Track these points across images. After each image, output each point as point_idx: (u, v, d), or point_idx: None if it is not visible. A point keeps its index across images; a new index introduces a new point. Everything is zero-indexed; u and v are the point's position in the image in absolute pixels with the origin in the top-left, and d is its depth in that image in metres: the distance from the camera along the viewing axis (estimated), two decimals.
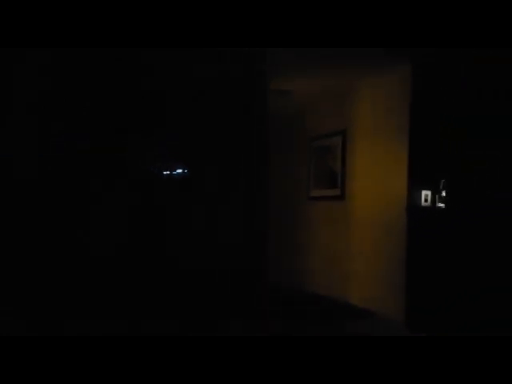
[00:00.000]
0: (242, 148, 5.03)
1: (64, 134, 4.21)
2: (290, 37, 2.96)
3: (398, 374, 2.33)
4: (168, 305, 4.50)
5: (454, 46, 2.99)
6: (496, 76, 3.62)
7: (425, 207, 4.20)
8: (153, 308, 4.38)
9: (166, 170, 4.97)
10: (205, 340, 2.72)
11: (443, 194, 4.06)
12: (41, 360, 2.28)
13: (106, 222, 4.47)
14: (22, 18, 2.78)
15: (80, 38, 2.91)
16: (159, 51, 3.11)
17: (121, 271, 4.43)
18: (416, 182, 4.28)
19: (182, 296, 4.59)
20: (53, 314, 3.74)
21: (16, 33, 2.81)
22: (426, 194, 4.22)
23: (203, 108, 4.79)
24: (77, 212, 4.25)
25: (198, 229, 4.90)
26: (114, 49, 3.59)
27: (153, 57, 4.09)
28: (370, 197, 5.25)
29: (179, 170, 5.08)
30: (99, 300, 4.28)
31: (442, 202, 4.06)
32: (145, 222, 4.66)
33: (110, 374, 2.23)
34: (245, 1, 2.81)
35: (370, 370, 2.35)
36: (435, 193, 4.15)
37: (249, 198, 5.09)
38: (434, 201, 4.16)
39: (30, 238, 3.96)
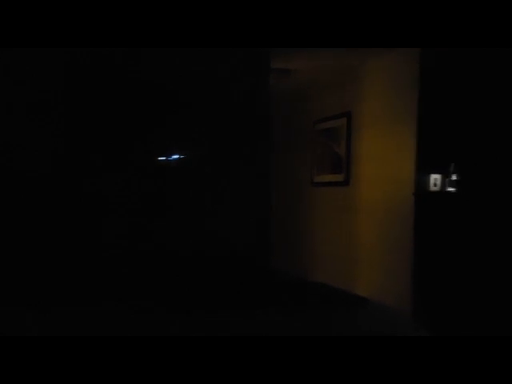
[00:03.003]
0: (243, 132, 4.89)
1: (70, 129, 4.26)
2: (292, 36, 2.89)
3: (402, 372, 2.20)
4: (168, 292, 4.44)
5: (463, 44, 2.88)
6: (507, 59, 3.40)
7: (434, 192, 3.99)
8: (151, 293, 4.34)
9: (163, 156, 4.85)
10: (199, 340, 2.63)
11: (453, 177, 3.84)
12: (37, 360, 2.23)
13: (110, 211, 4.46)
14: (18, 18, 2.72)
15: (83, 38, 2.88)
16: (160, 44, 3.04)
17: (123, 258, 4.40)
18: (425, 166, 4.08)
19: (183, 283, 4.51)
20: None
21: (13, 33, 2.76)
22: (435, 178, 4.01)
23: (205, 93, 4.66)
24: (82, 205, 4.30)
25: (200, 215, 4.79)
26: (120, 48, 3.59)
27: (153, 50, 4.04)
28: (376, 182, 5.05)
29: (175, 156, 4.93)
30: (103, 285, 4.28)
31: (452, 187, 3.84)
32: (147, 209, 4.60)
33: (107, 374, 2.17)
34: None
35: (369, 368, 2.24)
36: (445, 177, 3.93)
37: (251, 184, 4.95)
38: (443, 185, 3.94)
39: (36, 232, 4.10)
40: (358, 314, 4.63)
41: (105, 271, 4.32)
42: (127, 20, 2.77)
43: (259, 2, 2.73)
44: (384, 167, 4.94)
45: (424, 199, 4.07)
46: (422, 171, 4.08)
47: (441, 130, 3.97)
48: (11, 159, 4.07)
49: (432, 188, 4.01)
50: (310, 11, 2.74)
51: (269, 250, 4.94)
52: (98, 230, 4.37)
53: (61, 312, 3.72)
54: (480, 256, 3.53)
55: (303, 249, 6.28)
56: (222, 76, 4.66)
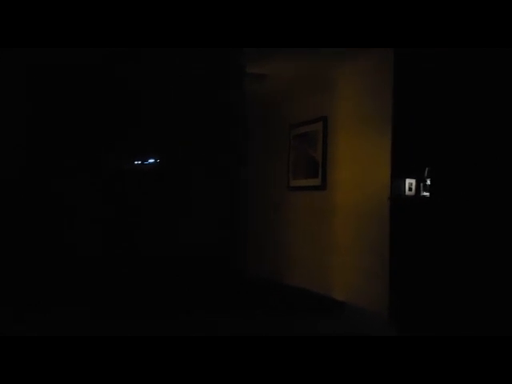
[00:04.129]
0: (219, 136, 4.86)
1: (36, 134, 4.14)
2: (266, 37, 2.89)
3: (375, 371, 2.26)
4: (143, 294, 4.40)
5: (438, 45, 2.94)
6: (482, 61, 3.46)
7: (408, 196, 4.04)
8: (125, 295, 4.29)
9: (138, 161, 4.80)
10: (184, 340, 2.62)
11: (428, 182, 3.89)
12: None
13: (83, 214, 4.38)
14: None
15: (48, 38, 2.80)
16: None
17: (95, 261, 4.33)
18: (400, 171, 4.12)
19: (156, 286, 4.47)
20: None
21: None
22: (410, 182, 4.06)
23: (179, 97, 4.62)
24: (55, 206, 4.21)
25: (174, 218, 4.75)
26: (91, 48, 3.51)
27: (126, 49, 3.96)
28: (353, 186, 5.09)
29: (151, 160, 4.89)
30: (78, 289, 4.22)
31: (427, 191, 3.89)
32: (120, 213, 4.54)
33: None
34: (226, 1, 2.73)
35: (350, 368, 2.27)
36: (420, 181, 3.98)
37: (226, 188, 4.93)
38: (418, 189, 3.99)
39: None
40: (333, 316, 4.66)
41: (74, 274, 4.26)
42: (98, 19, 2.70)
43: (233, 2, 2.72)
44: (360, 172, 4.97)
45: (399, 203, 4.10)
46: (398, 176, 4.12)
47: (415, 135, 4.00)
48: None
49: (407, 192, 4.06)
50: (284, 11, 2.73)
51: (241, 254, 4.94)
52: (67, 234, 4.29)
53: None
54: (454, 258, 3.58)
55: (280, 253, 6.28)
56: (198, 79, 4.62)
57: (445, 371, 2.25)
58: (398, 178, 4.11)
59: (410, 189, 4.06)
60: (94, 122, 4.38)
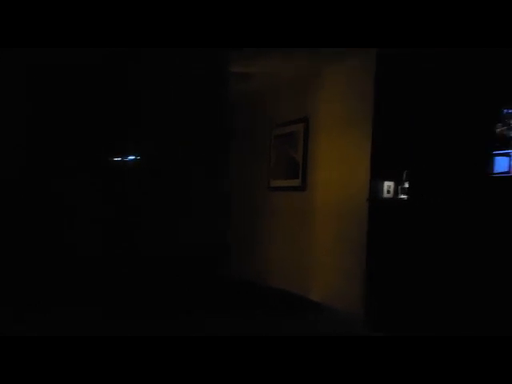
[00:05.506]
0: (201, 135, 4.85)
1: (34, 134, 4.11)
2: (257, 37, 2.91)
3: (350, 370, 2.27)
4: (140, 294, 4.39)
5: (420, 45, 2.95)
6: (460, 66, 3.49)
7: (386, 199, 4.06)
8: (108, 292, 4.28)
9: (118, 157, 4.77)
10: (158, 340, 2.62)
11: (406, 185, 3.92)
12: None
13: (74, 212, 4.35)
14: None
15: (43, 38, 2.80)
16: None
17: (94, 261, 4.32)
18: (379, 173, 4.14)
19: (139, 285, 4.45)
20: None
21: None
22: (388, 185, 4.08)
23: (163, 96, 4.60)
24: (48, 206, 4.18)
25: (156, 217, 4.73)
26: (81, 48, 3.49)
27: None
28: (333, 187, 5.10)
29: (131, 157, 4.86)
30: (78, 289, 4.20)
31: (405, 194, 3.92)
32: (120, 212, 4.52)
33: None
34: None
35: (326, 369, 2.27)
36: (398, 184, 4.00)
37: (208, 187, 4.92)
38: (396, 192, 4.02)
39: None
40: (308, 317, 4.67)
41: (74, 274, 4.25)
42: (86, 20, 2.71)
43: (217, 2, 2.72)
44: (340, 173, 4.98)
45: (377, 205, 4.13)
46: (376, 178, 4.14)
47: (395, 138, 4.03)
48: None
49: (385, 195, 4.08)
50: (268, 11, 2.73)
51: (227, 255, 4.93)
52: (67, 234, 4.28)
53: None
54: (429, 260, 3.61)
55: (260, 254, 6.27)
56: (182, 79, 4.61)
57: (419, 370, 2.26)
58: (376, 180, 4.13)
59: (389, 191, 4.08)
60: (93, 122, 4.37)
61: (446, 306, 3.45)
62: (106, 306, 4.18)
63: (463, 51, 3.37)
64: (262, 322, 4.35)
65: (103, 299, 4.27)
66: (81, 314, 3.95)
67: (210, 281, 4.76)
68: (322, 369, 2.27)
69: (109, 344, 2.54)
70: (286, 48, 4.49)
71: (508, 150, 3.19)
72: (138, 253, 4.49)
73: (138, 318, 3.98)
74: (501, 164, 3.24)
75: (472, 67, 3.42)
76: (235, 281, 5.86)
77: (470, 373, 2.22)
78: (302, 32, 2.83)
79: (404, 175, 3.94)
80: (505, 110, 3.22)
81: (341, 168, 4.97)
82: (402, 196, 3.95)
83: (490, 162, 3.28)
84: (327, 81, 5.27)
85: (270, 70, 5.51)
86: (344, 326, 4.32)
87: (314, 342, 2.74)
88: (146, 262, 4.51)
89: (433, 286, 3.57)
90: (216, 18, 2.77)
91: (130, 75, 4.40)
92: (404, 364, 2.31)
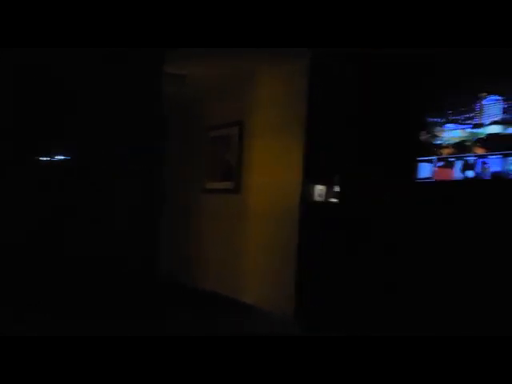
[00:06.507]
0: (136, 135, 4.76)
1: None
2: (194, 37, 2.89)
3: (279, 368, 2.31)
4: (53, 292, 4.25)
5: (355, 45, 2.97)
6: (393, 71, 3.62)
7: (318, 202, 4.15)
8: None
9: (46, 157, 4.60)
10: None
11: (336, 189, 4.02)
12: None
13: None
14: None
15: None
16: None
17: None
18: (311, 177, 4.22)
19: (66, 285, 4.32)
20: None
21: None
22: (320, 188, 4.16)
23: (95, 96, 4.48)
24: None
25: (88, 216, 4.60)
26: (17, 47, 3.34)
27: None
28: (266, 190, 5.14)
29: (60, 157, 4.70)
30: None
31: (335, 197, 4.01)
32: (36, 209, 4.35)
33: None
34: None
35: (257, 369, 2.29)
36: (329, 188, 4.10)
37: (142, 187, 4.83)
38: (327, 196, 4.11)
39: None
40: (241, 319, 4.69)
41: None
42: (21, 19, 2.65)
43: (151, 1, 2.69)
44: (273, 176, 5.04)
45: (309, 209, 4.20)
46: (309, 181, 4.22)
47: (327, 142, 4.12)
48: None
49: (317, 198, 4.16)
50: (202, 11, 2.73)
51: (157, 253, 4.87)
52: None
53: None
54: (357, 263, 3.71)
55: (193, 256, 6.22)
56: (116, 77, 4.51)
57: (348, 369, 2.31)
58: (308, 183, 4.21)
59: (320, 195, 4.17)
60: (23, 121, 4.23)
61: (376, 306, 3.55)
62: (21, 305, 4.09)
63: (393, 60, 3.49)
64: (188, 323, 4.34)
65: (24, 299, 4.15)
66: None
67: (138, 282, 4.69)
68: (248, 368, 2.28)
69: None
70: (221, 49, 4.50)
71: (431, 156, 3.34)
72: (63, 253, 4.37)
73: (68, 317, 3.92)
74: (425, 170, 3.40)
75: (400, 77, 3.55)
76: (165, 282, 5.79)
77: (402, 372, 2.27)
78: (236, 32, 2.83)
79: (335, 179, 4.04)
80: (429, 119, 3.37)
81: (274, 171, 5.03)
82: (333, 199, 4.05)
83: (414, 168, 3.43)
84: (262, 84, 5.32)
85: (205, 72, 5.50)
86: (274, 326, 4.37)
87: (238, 342, 2.75)
88: (72, 262, 4.40)
89: (362, 285, 3.67)
90: (151, 18, 2.73)
91: (62, 74, 4.28)
92: (335, 364, 2.35)
